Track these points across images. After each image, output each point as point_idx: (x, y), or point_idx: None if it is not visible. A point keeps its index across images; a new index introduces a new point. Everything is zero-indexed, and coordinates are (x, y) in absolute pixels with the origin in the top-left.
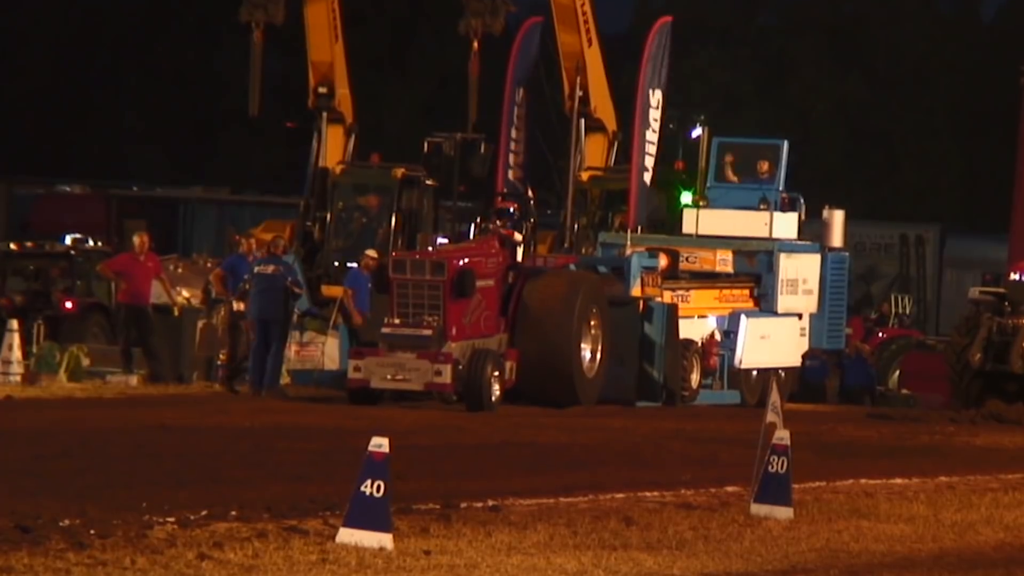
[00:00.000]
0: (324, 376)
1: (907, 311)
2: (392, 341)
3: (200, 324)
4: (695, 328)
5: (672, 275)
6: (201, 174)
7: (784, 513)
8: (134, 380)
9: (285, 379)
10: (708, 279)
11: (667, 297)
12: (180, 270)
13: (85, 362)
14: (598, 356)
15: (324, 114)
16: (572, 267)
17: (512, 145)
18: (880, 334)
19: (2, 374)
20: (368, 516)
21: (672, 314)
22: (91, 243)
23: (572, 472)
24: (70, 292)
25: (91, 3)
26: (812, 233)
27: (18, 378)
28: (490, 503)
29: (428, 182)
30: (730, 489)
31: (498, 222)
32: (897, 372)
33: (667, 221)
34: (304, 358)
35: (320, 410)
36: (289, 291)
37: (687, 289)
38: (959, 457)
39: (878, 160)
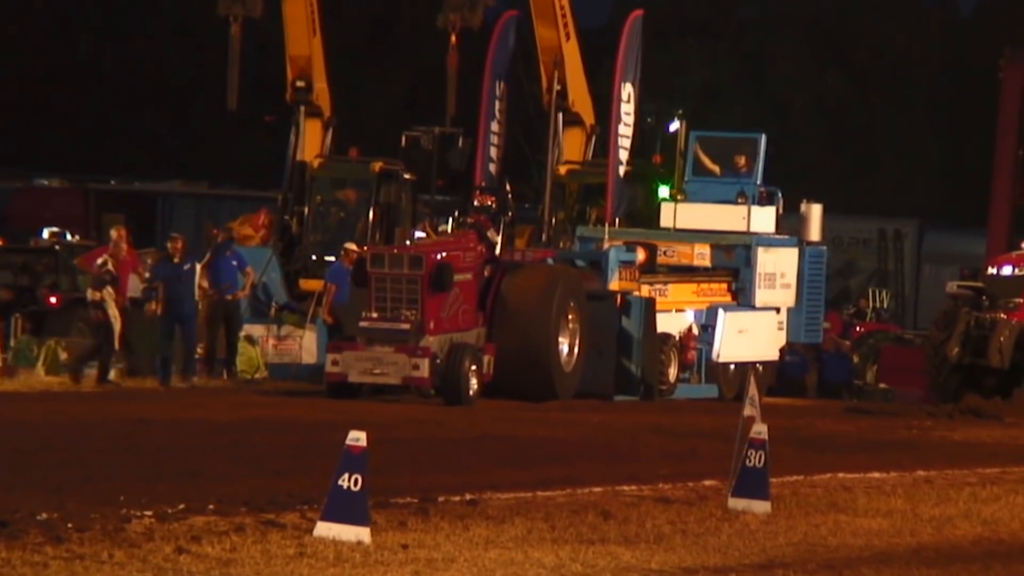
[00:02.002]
0: (302, 370)
1: (885, 305)
2: (370, 335)
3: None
4: (673, 322)
5: (650, 269)
6: (179, 168)
7: (762, 507)
8: (112, 374)
9: (263, 372)
10: (686, 273)
11: (645, 291)
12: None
13: (63, 356)
14: (576, 350)
15: (302, 108)
16: (550, 261)
17: (491, 139)
18: (858, 328)
19: None
20: (346, 510)
21: (650, 308)
22: (69, 237)
23: (550, 466)
24: (56, 288)
25: None
26: (790, 227)
27: None
28: (468, 497)
29: (406, 176)
30: (708, 483)
31: (475, 218)
32: (875, 366)
33: (644, 215)
34: (282, 352)
35: (298, 404)
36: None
37: (665, 283)
38: (937, 451)
39: (857, 154)
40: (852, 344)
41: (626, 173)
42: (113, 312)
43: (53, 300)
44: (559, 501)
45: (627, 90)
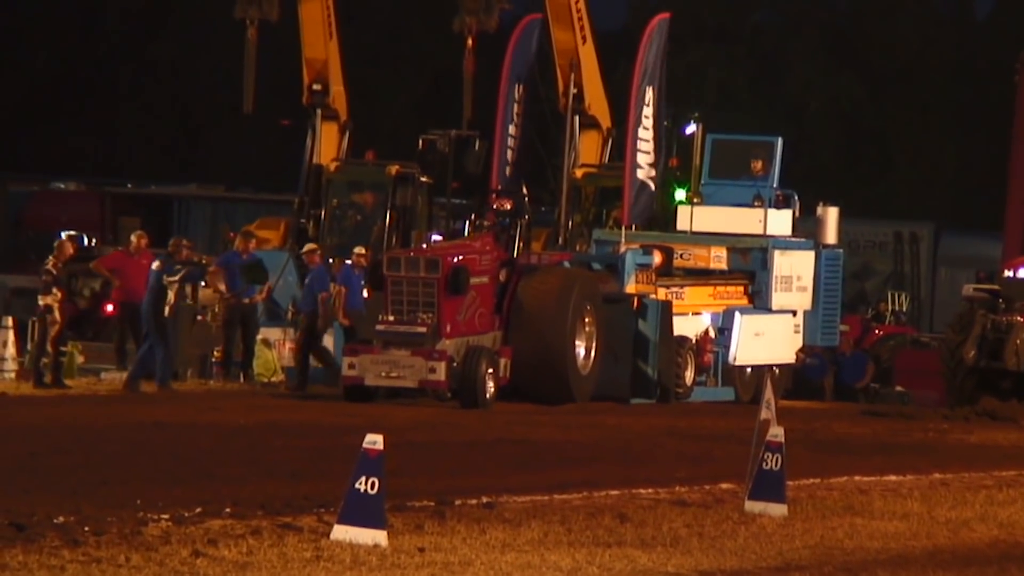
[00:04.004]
0: (318, 373)
1: (904, 309)
2: (387, 338)
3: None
4: (689, 325)
5: (666, 272)
6: (195, 171)
7: (778, 510)
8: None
9: (279, 375)
10: (702, 276)
11: (661, 294)
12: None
13: (79, 359)
14: (592, 353)
15: (319, 111)
16: (566, 264)
17: (509, 142)
18: (877, 331)
19: None
20: (362, 513)
21: (666, 311)
22: (86, 241)
23: (566, 469)
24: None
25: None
26: (806, 230)
27: (13, 375)
28: (484, 500)
29: (422, 179)
30: (724, 486)
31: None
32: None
33: (660, 218)
34: None
35: (315, 407)
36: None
37: (681, 286)
38: (953, 454)
39: (872, 157)
40: (871, 347)
41: (653, 179)
42: (53, 316)
43: (110, 308)
44: (575, 504)
45: (648, 93)
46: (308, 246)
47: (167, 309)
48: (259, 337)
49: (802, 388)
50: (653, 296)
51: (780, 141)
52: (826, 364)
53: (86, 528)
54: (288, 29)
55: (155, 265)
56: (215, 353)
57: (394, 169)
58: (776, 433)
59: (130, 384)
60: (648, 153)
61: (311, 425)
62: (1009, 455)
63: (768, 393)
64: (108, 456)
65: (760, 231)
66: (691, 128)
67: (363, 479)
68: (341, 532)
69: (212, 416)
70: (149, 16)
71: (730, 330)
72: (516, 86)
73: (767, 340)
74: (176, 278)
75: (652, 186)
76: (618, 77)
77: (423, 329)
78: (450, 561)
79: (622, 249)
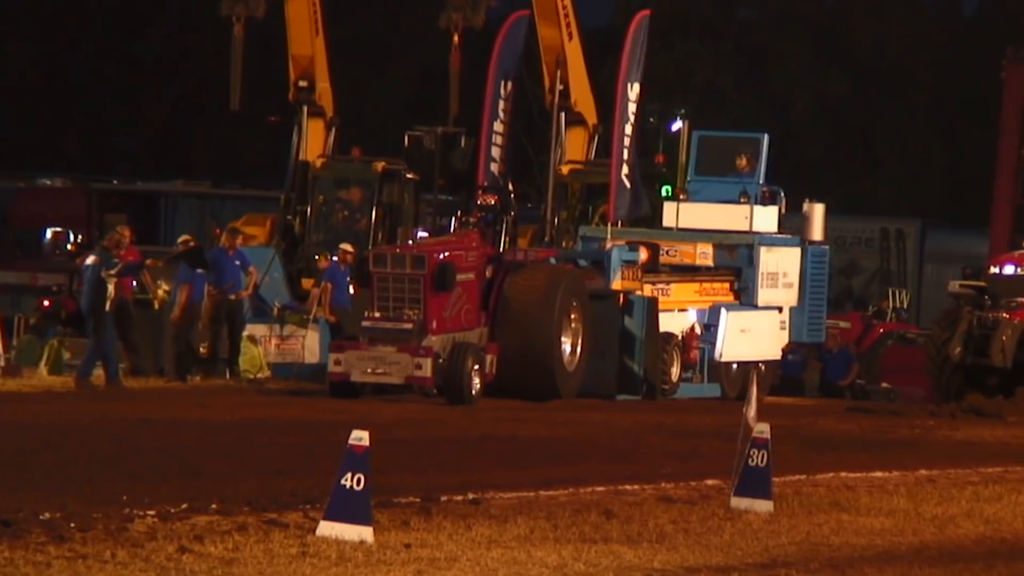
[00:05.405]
0: (304, 369)
1: (904, 306)
2: (372, 335)
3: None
4: (675, 321)
5: (652, 268)
6: (182, 167)
7: (764, 506)
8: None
9: (265, 372)
10: (688, 272)
11: (647, 290)
12: (160, 264)
13: (66, 355)
14: (578, 350)
15: (305, 108)
16: (552, 260)
17: (495, 139)
18: (880, 330)
19: None
20: (348, 509)
21: (652, 307)
22: (72, 237)
23: (552, 466)
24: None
25: None
26: (793, 227)
27: None
28: (470, 496)
29: (409, 176)
30: (710, 482)
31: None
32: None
33: (649, 215)
34: (284, 351)
35: (301, 404)
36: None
37: (667, 282)
38: (939, 451)
39: (859, 154)
40: (871, 344)
41: (629, 176)
42: None
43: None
44: (561, 500)
45: (634, 90)
46: (182, 237)
47: (108, 303)
48: (245, 333)
49: (787, 384)
50: (639, 292)
51: (766, 137)
52: (805, 359)
53: (72, 524)
54: (274, 26)
55: (91, 260)
56: (201, 349)
57: (380, 166)
58: (762, 429)
59: (110, 381)
60: (629, 149)
61: (297, 421)
62: (995, 451)
63: (754, 389)
64: (94, 453)
65: (746, 228)
66: (677, 125)
67: (349, 475)
68: (327, 528)
69: (198, 413)
70: (135, 13)
71: (716, 326)
72: (503, 83)
73: (753, 336)
74: (114, 271)
75: (628, 184)
76: (605, 74)
77: (409, 325)
78: (436, 557)
79: (608, 246)
